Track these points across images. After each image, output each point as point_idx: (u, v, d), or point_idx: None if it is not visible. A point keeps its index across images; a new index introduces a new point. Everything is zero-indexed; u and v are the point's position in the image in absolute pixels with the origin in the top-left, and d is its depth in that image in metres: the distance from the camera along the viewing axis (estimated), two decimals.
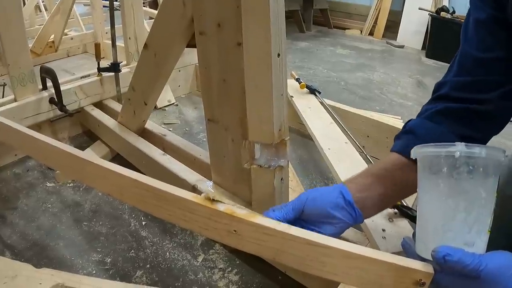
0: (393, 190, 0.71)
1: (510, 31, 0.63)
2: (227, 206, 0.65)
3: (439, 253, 0.51)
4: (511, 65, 0.65)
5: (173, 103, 2.12)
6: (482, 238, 0.54)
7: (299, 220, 0.68)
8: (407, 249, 0.61)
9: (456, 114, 0.69)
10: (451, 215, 0.54)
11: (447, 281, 0.53)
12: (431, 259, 0.53)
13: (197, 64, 0.95)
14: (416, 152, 0.59)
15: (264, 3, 0.70)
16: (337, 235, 0.68)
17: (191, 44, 0.99)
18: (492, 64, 0.66)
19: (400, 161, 0.71)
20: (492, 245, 0.55)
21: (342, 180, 0.75)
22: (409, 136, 0.72)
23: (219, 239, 0.70)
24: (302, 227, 0.63)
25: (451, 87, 0.71)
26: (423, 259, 0.56)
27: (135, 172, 0.77)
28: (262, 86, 0.76)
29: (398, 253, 0.59)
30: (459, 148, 0.53)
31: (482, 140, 0.71)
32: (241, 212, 0.64)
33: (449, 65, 0.75)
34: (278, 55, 0.74)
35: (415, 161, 0.61)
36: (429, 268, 0.54)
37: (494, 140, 0.70)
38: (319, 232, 0.65)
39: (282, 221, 0.63)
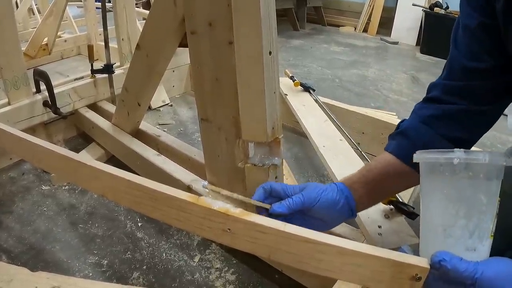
0: (383, 194, 0.79)
1: (498, 36, 0.63)
2: (221, 205, 0.65)
3: (435, 258, 0.52)
4: (499, 71, 0.65)
5: (167, 104, 2.11)
6: (484, 243, 0.53)
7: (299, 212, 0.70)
8: None
9: (447, 116, 0.70)
10: (452, 221, 0.54)
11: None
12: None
13: None
14: (418, 157, 0.60)
15: (254, 2, 0.69)
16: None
17: (183, 44, 0.98)
18: (479, 73, 0.67)
19: (394, 163, 0.73)
20: (492, 245, 0.55)
21: (338, 179, 0.77)
22: (402, 138, 0.74)
23: (214, 238, 0.70)
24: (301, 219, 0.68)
25: (442, 91, 0.72)
26: None
27: (129, 173, 0.77)
28: (254, 85, 0.76)
29: (394, 249, 0.59)
30: (457, 155, 0.53)
31: (471, 141, 0.73)
32: (235, 210, 0.64)
33: (445, 61, 0.75)
34: (270, 53, 0.74)
35: (408, 164, 0.65)
36: (425, 263, 0.54)
37: (489, 134, 0.71)
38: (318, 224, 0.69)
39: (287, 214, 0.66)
